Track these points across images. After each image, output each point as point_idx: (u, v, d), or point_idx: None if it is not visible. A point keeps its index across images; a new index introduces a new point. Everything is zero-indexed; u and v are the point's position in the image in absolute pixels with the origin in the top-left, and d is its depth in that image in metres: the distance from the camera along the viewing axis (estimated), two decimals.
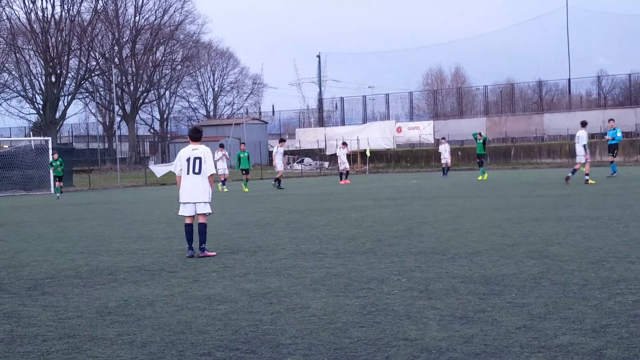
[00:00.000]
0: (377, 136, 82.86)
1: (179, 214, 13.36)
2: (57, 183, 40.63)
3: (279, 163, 40.21)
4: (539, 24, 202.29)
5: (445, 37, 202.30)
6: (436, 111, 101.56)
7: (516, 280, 9.52)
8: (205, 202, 13.14)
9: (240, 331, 7.36)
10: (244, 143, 41.37)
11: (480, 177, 42.29)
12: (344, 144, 48.28)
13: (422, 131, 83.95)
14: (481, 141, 43.70)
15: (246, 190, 37.86)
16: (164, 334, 7.36)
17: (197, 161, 13.13)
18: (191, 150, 13.30)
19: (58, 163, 40.22)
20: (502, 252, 12.16)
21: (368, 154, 67.78)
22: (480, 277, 9.87)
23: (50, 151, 48.89)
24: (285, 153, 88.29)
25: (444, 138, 51.97)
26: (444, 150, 48.81)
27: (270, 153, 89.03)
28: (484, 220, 17.51)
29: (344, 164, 45.96)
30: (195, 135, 13.55)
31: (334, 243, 14.17)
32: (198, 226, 13.11)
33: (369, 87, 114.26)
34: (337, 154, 48.85)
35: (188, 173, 13.17)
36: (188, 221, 13.19)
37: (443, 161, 49.00)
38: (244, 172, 39.25)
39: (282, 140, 42.93)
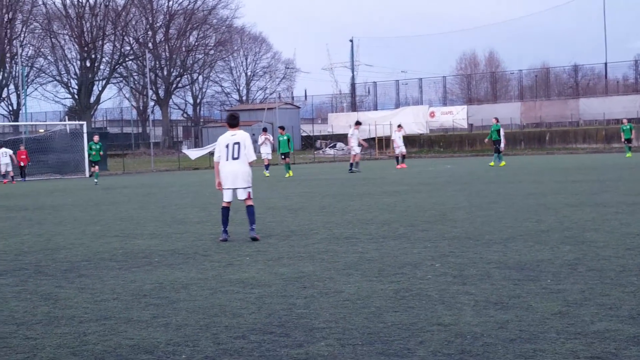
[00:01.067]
0: (410, 121, 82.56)
1: (223, 199, 13.23)
2: (92, 168, 38.37)
3: (355, 146, 39.73)
4: (575, 6, 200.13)
5: (480, 21, 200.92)
6: (470, 96, 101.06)
7: (551, 266, 9.46)
8: (244, 188, 13.10)
9: (274, 315, 7.38)
10: (282, 127, 40.53)
11: (495, 164, 40.87)
12: (400, 126, 47.33)
13: (455, 116, 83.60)
14: (496, 128, 42.04)
15: (289, 174, 37.06)
16: (198, 317, 7.40)
17: (236, 146, 13.02)
18: (230, 136, 13.16)
19: (98, 147, 38.02)
20: (537, 237, 12.08)
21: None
22: (515, 262, 9.82)
23: (86, 136, 49.23)
24: (317, 138, 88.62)
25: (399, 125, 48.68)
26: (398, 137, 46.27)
27: (303, 137, 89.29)
28: (518, 206, 17.40)
29: (399, 147, 45.22)
30: (233, 122, 13.34)
31: (367, 228, 14.16)
32: (246, 209, 13.16)
33: (401, 72, 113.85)
34: (392, 138, 47.94)
35: (227, 159, 13.05)
36: (225, 205, 13.16)
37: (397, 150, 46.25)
38: (282, 156, 38.42)
39: (358, 123, 42.07)
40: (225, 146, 13.11)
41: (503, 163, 40.75)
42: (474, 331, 6.52)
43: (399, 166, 43.79)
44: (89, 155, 38.31)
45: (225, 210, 13.14)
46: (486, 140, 42.92)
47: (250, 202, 13.13)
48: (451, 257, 10.44)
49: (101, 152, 38.76)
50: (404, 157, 45.30)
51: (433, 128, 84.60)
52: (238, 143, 13.05)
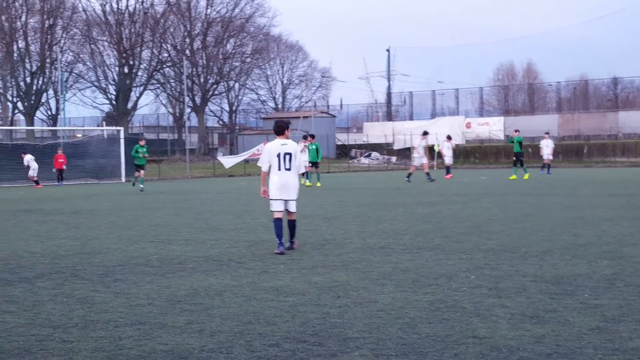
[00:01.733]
0: (446, 131, 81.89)
1: (272, 209, 12.79)
2: (137, 172, 36.54)
3: (421, 156, 39.47)
4: (614, 19, 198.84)
5: (518, 32, 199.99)
6: (507, 107, 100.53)
7: (589, 281, 9.36)
8: (295, 200, 12.88)
9: (308, 323, 7.37)
10: (312, 135, 40.23)
11: (516, 177, 40.24)
12: (449, 137, 47.12)
13: (491, 127, 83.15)
14: (516, 141, 41.20)
15: (318, 184, 36.97)
16: (232, 323, 7.41)
17: (288, 157, 12.66)
18: (280, 145, 12.72)
19: (144, 150, 36.58)
20: (575, 251, 11.97)
21: (436, 149, 67.31)
22: (551, 276, 9.73)
23: (122, 141, 49.58)
24: (352, 147, 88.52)
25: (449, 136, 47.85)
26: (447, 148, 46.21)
27: (338, 146, 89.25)
28: (555, 219, 17.26)
29: (447, 157, 45.34)
30: (279, 130, 12.87)
31: (402, 238, 14.11)
32: (288, 222, 12.86)
33: (438, 82, 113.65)
34: (440, 148, 47.61)
35: (279, 169, 12.67)
36: (278, 216, 12.75)
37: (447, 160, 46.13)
38: (311, 165, 38.03)
39: (425, 133, 41.45)
40: (277, 155, 12.67)
41: (527, 175, 40.22)
42: (510, 345, 6.46)
43: (446, 176, 43.32)
44: (135, 159, 36.65)
45: (279, 221, 12.69)
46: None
47: (294, 217, 12.92)
48: (486, 269, 10.38)
49: (147, 156, 37.31)
50: (448, 167, 45.19)
51: (469, 139, 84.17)
52: (290, 154, 12.68)
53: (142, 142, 37.30)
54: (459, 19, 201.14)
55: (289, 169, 12.72)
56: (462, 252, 12.13)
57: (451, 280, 9.58)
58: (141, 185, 35.58)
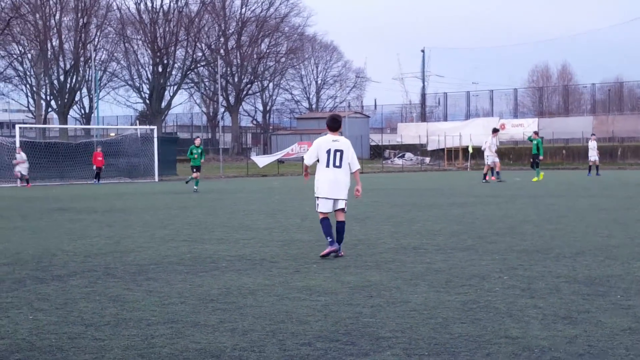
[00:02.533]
0: (480, 132, 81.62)
1: (318, 210, 12.17)
2: (194, 174, 33.46)
3: (494, 155, 38.66)
4: None
5: (553, 34, 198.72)
6: (541, 109, 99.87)
7: (622, 282, 9.28)
8: (345, 199, 12.20)
9: (340, 323, 7.36)
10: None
11: (535, 179, 39.34)
12: (495, 130, 43.42)
13: (526, 129, 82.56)
14: (536, 142, 40.42)
15: None
16: (264, 322, 7.42)
17: (338, 154, 12.03)
18: (331, 141, 12.08)
19: (199, 150, 33.73)
20: (608, 252, 11.87)
21: (470, 150, 67.06)
22: (584, 277, 9.65)
23: (156, 140, 49.82)
24: (386, 147, 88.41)
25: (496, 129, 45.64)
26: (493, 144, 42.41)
27: (372, 147, 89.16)
28: (588, 220, 17.13)
29: (488, 157, 41.67)
30: (334, 125, 12.18)
31: (435, 238, 14.07)
32: (337, 225, 12.09)
33: (472, 83, 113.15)
34: (483, 148, 44.74)
35: (328, 166, 12.04)
36: (324, 216, 12.12)
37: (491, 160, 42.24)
38: None
39: (495, 130, 40.78)
40: (327, 151, 12.04)
41: (536, 178, 39.32)
42: (542, 345, 6.42)
43: (491, 178, 41.00)
44: (190, 159, 33.88)
45: (326, 220, 12.07)
46: (540, 157, 41.02)
47: (343, 218, 12.23)
48: (519, 270, 10.32)
49: (202, 159, 34.25)
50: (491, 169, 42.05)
51: (503, 140, 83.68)
52: (341, 151, 12.03)
53: (197, 142, 34.76)
54: (494, 20, 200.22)
55: (339, 167, 12.03)
56: (495, 252, 12.07)
57: (484, 280, 9.54)
58: (195, 187, 33.27)
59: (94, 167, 46.74)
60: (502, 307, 7.97)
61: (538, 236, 14.21)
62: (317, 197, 12.20)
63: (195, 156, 33.43)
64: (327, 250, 11.88)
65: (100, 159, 46.68)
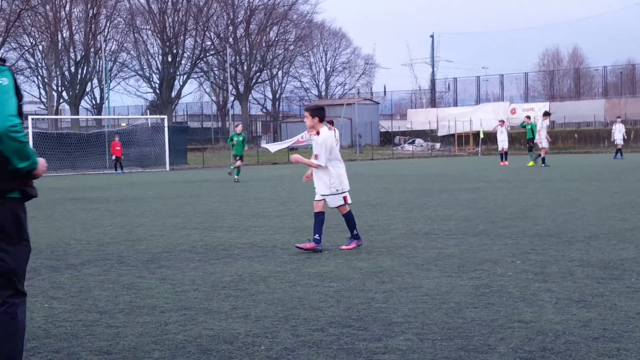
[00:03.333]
0: (490, 117, 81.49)
1: (339, 204, 11.48)
2: (237, 162, 31.56)
3: (544, 139, 38.14)
4: None
5: (563, 17, 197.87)
6: (552, 93, 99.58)
7: (636, 265, 9.25)
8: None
9: (353, 308, 7.37)
10: (331, 121, 33.49)
11: (530, 163, 38.93)
12: (502, 121, 44.39)
13: (537, 113, 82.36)
14: (530, 126, 40.07)
15: None
16: (277, 309, 7.43)
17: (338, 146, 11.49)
18: (333, 136, 11.55)
19: (241, 138, 31.85)
20: (621, 236, 11.83)
21: (481, 135, 66.93)
22: (598, 261, 9.63)
23: (167, 130, 49.86)
24: (396, 134, 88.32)
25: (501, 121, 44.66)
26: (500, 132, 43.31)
27: (382, 134, 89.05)
28: (601, 204, 17.08)
29: (501, 142, 42.76)
30: (325, 115, 11.56)
31: (446, 224, 14.05)
32: (348, 215, 11.48)
33: (482, 68, 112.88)
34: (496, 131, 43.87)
35: (340, 160, 11.69)
36: (346, 209, 11.58)
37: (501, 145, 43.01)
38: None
39: (546, 114, 40.06)
40: (334, 146, 11.50)
41: (532, 162, 38.94)
42: (556, 329, 6.41)
43: (502, 163, 41.16)
44: (232, 147, 32.13)
45: (351, 213, 11.60)
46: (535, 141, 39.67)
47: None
48: (532, 254, 10.30)
49: (245, 146, 32.40)
50: (505, 153, 42.41)
51: (514, 125, 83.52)
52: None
53: (239, 129, 33.17)
54: (503, 4, 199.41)
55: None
56: (507, 237, 12.05)
57: (496, 265, 9.52)
58: (236, 177, 31.08)
59: (113, 157, 46.68)
60: (515, 291, 7.96)
61: (551, 220, 14.17)
62: (343, 192, 11.55)
63: (235, 143, 31.81)
64: (358, 244, 11.44)
65: (118, 148, 46.43)
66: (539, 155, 38.42)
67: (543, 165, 37.22)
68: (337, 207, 11.54)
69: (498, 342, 6.09)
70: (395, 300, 7.69)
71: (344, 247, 11.37)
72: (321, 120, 11.33)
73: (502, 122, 44.47)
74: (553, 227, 13.21)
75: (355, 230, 11.50)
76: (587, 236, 11.90)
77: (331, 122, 31.65)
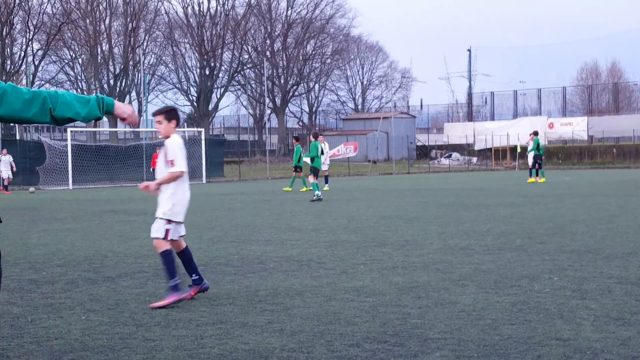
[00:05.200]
0: (528, 132, 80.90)
1: (160, 235, 9.08)
2: (313, 178, 27.63)
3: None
4: None
5: (602, 31, 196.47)
6: (590, 107, 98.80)
7: None
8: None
9: (389, 324, 7.34)
10: (315, 134, 31.24)
11: (531, 179, 38.06)
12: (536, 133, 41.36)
13: (575, 127, 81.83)
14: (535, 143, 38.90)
15: (304, 189, 33.46)
16: (312, 323, 7.42)
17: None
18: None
19: (314, 147, 28.59)
20: None
21: (518, 150, 66.49)
22: (637, 278, 9.52)
23: (204, 142, 50.08)
24: (432, 147, 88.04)
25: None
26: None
27: (417, 147, 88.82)
28: None
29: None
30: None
31: (483, 239, 13.97)
32: (185, 253, 9.35)
33: (520, 82, 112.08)
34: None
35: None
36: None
37: None
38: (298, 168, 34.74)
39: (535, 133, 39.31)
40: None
41: (532, 179, 38.17)
42: (594, 347, 6.34)
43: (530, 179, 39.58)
44: (312, 160, 28.48)
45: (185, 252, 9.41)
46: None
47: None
48: (570, 270, 10.20)
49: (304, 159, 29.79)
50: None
51: (551, 139, 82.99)
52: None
53: (321, 139, 30.54)
54: (540, 18, 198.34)
55: None
56: (544, 253, 11.95)
57: (534, 281, 9.45)
58: (317, 192, 26.55)
59: (152, 169, 46.52)
60: (552, 308, 7.89)
61: (589, 236, 14.05)
62: (175, 222, 9.29)
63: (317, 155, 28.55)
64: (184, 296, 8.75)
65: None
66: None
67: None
68: (165, 240, 8.97)
69: (535, 359, 6.04)
70: (431, 316, 7.66)
71: (155, 304, 8.42)
72: (178, 125, 9.22)
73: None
74: (591, 243, 13.09)
75: (195, 275, 9.05)
76: (626, 253, 11.77)
77: (316, 136, 30.47)
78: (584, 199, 24.30)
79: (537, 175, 38.66)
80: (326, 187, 34.17)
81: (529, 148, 39.77)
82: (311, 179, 27.75)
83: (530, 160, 39.23)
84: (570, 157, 76.29)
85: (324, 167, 34.36)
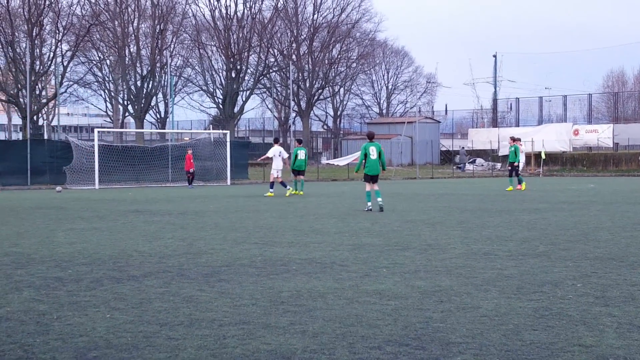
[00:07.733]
0: (553, 138, 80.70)
1: None
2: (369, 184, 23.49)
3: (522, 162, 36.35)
4: None
5: (628, 38, 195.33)
6: (616, 114, 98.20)
7: None
8: None
9: (410, 327, 7.36)
10: (299, 140, 34.21)
11: (509, 188, 36.27)
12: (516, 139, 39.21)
13: (600, 135, 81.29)
14: (513, 149, 37.08)
15: (301, 192, 33.89)
16: (334, 325, 7.46)
17: None
18: None
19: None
20: None
21: (543, 156, 66.28)
22: None
23: (229, 145, 50.19)
24: (457, 153, 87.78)
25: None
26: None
27: (442, 152, 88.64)
28: None
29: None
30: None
31: (506, 244, 13.95)
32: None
33: (545, 88, 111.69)
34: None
35: None
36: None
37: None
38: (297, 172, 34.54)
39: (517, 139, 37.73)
40: None
41: (511, 187, 36.36)
42: (617, 354, 6.34)
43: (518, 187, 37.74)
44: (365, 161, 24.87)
45: None
46: (516, 164, 37.00)
47: None
48: (593, 277, 10.18)
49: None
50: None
51: (576, 146, 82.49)
52: None
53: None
54: (567, 25, 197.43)
55: None
56: (568, 259, 11.92)
57: (557, 287, 9.44)
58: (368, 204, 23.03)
59: (190, 170, 44.88)
60: (575, 314, 7.88)
61: (613, 243, 13.99)
62: None
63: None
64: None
65: (192, 161, 44.95)
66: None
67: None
68: None
69: None
70: (453, 320, 7.67)
71: None
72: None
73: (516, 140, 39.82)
74: (615, 250, 13.04)
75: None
76: None
77: (299, 141, 33.83)
78: (608, 206, 24.19)
79: (519, 183, 37.03)
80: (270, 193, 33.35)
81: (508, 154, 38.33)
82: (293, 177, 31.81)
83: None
84: (595, 164, 75.84)
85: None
